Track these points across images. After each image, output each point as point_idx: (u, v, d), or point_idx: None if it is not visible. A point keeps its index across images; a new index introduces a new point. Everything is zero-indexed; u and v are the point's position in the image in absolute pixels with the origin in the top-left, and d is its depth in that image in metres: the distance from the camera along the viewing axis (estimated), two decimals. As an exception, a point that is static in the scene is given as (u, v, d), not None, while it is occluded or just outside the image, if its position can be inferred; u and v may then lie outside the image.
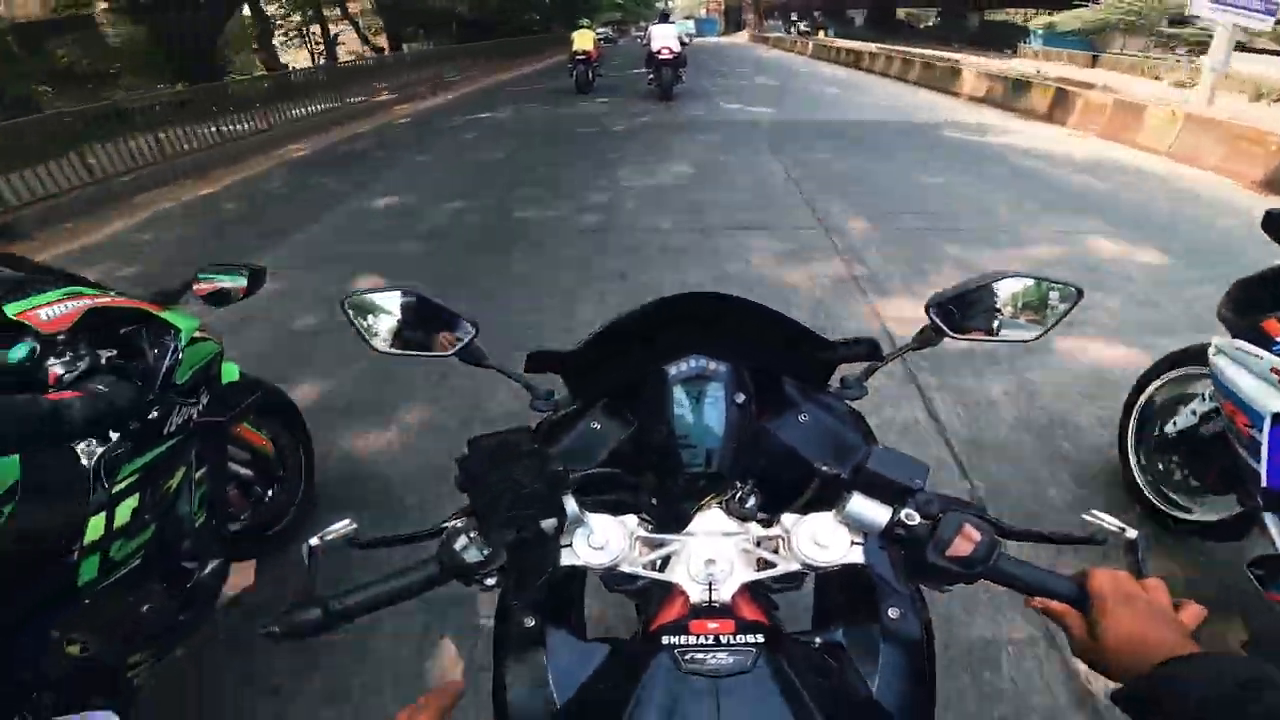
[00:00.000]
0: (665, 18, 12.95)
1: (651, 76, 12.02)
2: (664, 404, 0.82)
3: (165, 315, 1.33)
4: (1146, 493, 2.04)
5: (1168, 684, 0.47)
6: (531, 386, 0.91)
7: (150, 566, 1.29)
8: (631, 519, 0.67)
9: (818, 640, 0.67)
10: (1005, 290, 0.84)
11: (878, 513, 0.60)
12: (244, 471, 1.74)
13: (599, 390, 0.88)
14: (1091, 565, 0.61)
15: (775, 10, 46.21)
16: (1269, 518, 1.49)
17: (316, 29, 22.08)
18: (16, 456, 1.06)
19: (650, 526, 0.69)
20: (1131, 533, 0.63)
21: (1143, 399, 2.10)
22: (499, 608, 0.70)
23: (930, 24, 35.99)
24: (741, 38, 41.40)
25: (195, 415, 1.34)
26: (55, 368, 1.15)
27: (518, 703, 0.63)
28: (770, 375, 0.87)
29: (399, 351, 0.89)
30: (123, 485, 1.20)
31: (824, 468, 0.71)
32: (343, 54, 21.63)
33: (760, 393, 0.85)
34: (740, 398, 0.83)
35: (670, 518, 0.72)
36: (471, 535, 0.58)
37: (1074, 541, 0.67)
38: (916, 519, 0.59)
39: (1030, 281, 0.84)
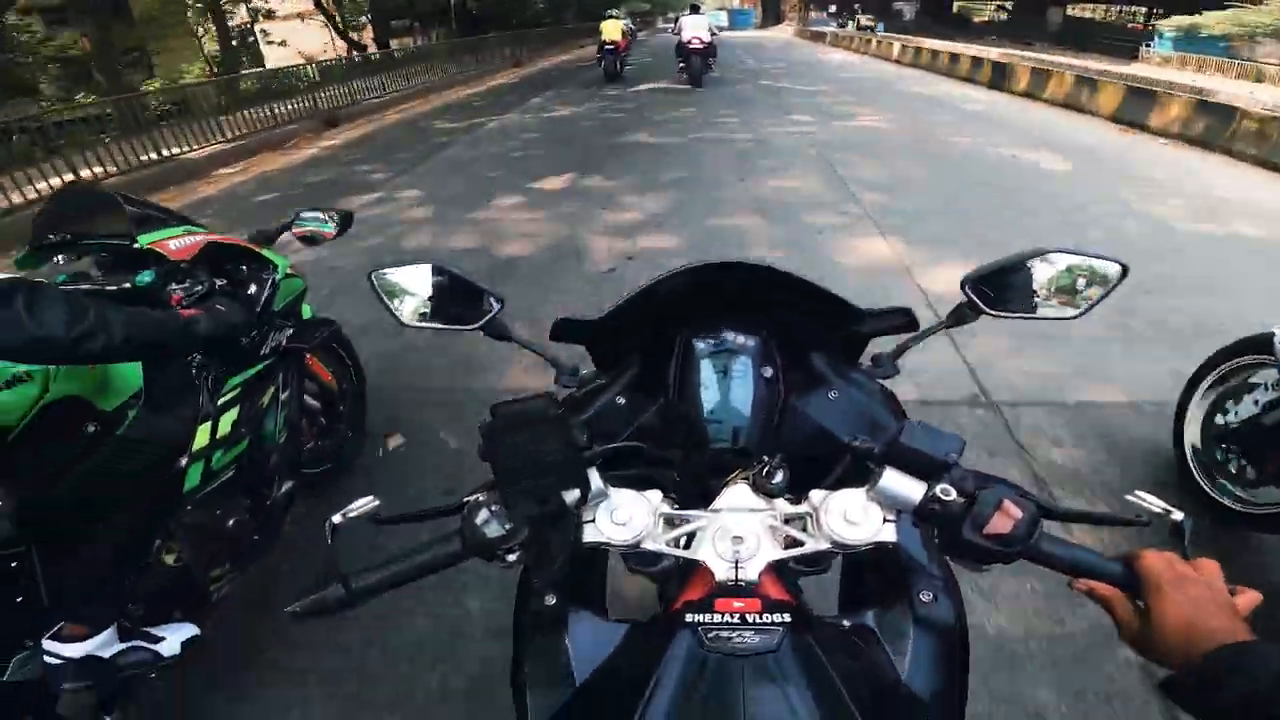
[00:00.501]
0: (695, 9, 13.49)
1: (682, 65, 12.56)
2: (691, 378, 0.81)
3: (264, 253, 1.49)
4: (1200, 481, 2.04)
5: (1220, 673, 0.46)
6: (557, 362, 0.91)
7: (239, 481, 1.44)
8: (656, 494, 0.65)
9: (846, 623, 0.66)
10: (1044, 266, 0.81)
11: (911, 488, 0.59)
12: (312, 403, 1.89)
13: (625, 362, 0.88)
14: (1139, 547, 0.59)
15: (815, 1, 44.14)
16: None
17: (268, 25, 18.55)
18: (140, 366, 1.21)
19: (675, 503, 0.68)
20: (1178, 514, 0.61)
21: (1203, 386, 2.08)
22: (519, 585, 0.70)
23: (991, 18, 33.19)
24: (783, 31, 37.47)
25: (284, 342, 1.49)
26: (176, 291, 1.31)
27: (536, 681, 0.63)
28: (800, 350, 0.86)
29: (425, 325, 0.90)
30: (225, 399, 1.37)
31: (855, 442, 0.69)
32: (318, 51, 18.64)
33: (790, 369, 0.84)
34: (768, 372, 0.82)
35: (696, 494, 0.71)
36: (493, 509, 0.58)
37: (1118, 522, 0.65)
38: (952, 494, 0.57)
39: (1072, 257, 0.81)
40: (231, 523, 1.46)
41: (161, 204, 1.51)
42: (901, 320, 0.85)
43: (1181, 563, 0.55)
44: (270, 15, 19.66)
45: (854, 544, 0.60)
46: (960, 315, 0.83)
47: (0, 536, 1.04)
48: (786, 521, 0.63)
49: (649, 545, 0.62)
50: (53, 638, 1.15)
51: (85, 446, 1.13)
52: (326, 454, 2.03)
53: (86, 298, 1.01)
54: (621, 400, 0.85)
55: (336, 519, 0.64)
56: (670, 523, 0.64)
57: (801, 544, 0.62)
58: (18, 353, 0.91)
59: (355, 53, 18.61)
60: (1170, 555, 0.55)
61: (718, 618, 0.55)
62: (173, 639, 1.29)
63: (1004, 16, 33.50)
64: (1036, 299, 0.82)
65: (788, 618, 0.55)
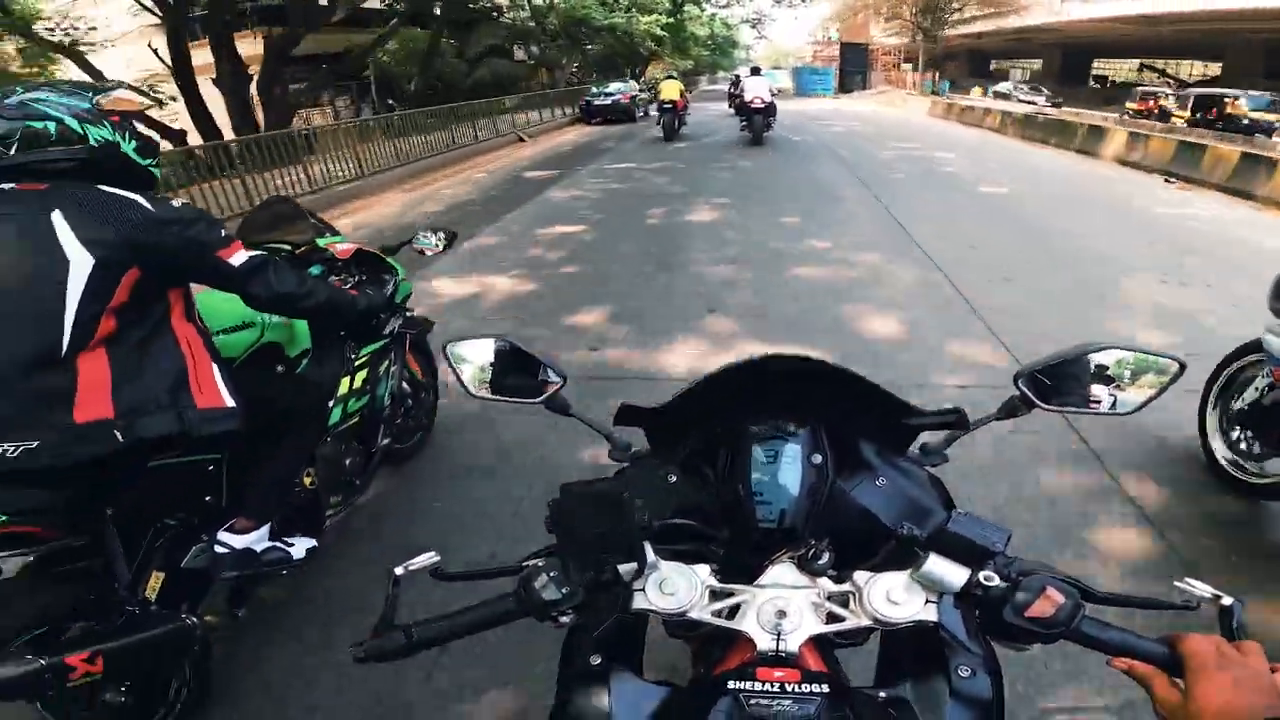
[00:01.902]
0: (757, 71, 15.20)
1: (745, 124, 13.99)
2: (741, 461, 0.87)
3: (389, 260, 2.07)
4: (1223, 463, 2.55)
5: None
6: (612, 437, 0.96)
7: (358, 429, 1.99)
8: (704, 568, 0.71)
9: (882, 694, 0.69)
10: (1099, 361, 0.84)
11: (955, 574, 0.64)
12: (404, 386, 2.44)
13: (680, 443, 0.95)
14: (1183, 630, 0.61)
15: (932, 62, 36.40)
16: None
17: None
18: (307, 328, 1.75)
19: (720, 577, 0.73)
20: (1227, 599, 0.63)
21: (1218, 384, 2.61)
22: (565, 643, 0.75)
23: (1169, 80, 27.29)
24: (890, 102, 28.86)
25: (397, 328, 2.05)
26: (335, 280, 1.88)
27: None
28: (850, 437, 0.92)
29: (491, 397, 0.96)
30: (359, 361, 1.92)
31: (901, 529, 0.74)
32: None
33: (839, 454, 0.89)
34: (817, 459, 0.87)
35: (741, 570, 0.76)
36: (552, 575, 0.64)
37: (1165, 606, 0.67)
38: (996, 580, 0.62)
39: (1126, 354, 0.84)
40: (349, 461, 2.00)
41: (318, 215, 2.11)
42: (953, 419, 0.89)
43: (1226, 645, 0.57)
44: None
45: (896, 622, 0.65)
46: (1012, 408, 0.86)
47: (223, 432, 1.42)
48: (829, 598, 0.69)
49: (694, 615, 0.69)
50: (226, 530, 1.63)
51: (276, 380, 1.68)
52: (405, 436, 2.57)
53: (304, 273, 1.57)
54: (673, 479, 0.91)
55: (399, 570, 0.71)
56: (715, 595, 0.70)
57: (843, 619, 0.67)
58: (265, 302, 1.50)
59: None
60: (1215, 638, 0.58)
61: (758, 685, 0.60)
62: (300, 546, 1.78)
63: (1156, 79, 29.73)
64: (1090, 393, 0.85)
65: (826, 688, 0.59)
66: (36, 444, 1.20)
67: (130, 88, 1.55)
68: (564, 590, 0.64)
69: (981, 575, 0.63)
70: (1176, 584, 0.67)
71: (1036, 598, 0.60)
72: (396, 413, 2.36)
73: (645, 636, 0.83)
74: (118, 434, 1.26)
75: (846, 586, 0.69)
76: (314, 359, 1.85)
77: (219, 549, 1.60)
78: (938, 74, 30.90)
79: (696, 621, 0.70)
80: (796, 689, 0.59)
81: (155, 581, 1.51)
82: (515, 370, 0.95)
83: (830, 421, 0.90)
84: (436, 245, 2.30)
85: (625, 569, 0.65)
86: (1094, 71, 40.22)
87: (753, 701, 0.58)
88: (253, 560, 1.66)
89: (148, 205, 1.31)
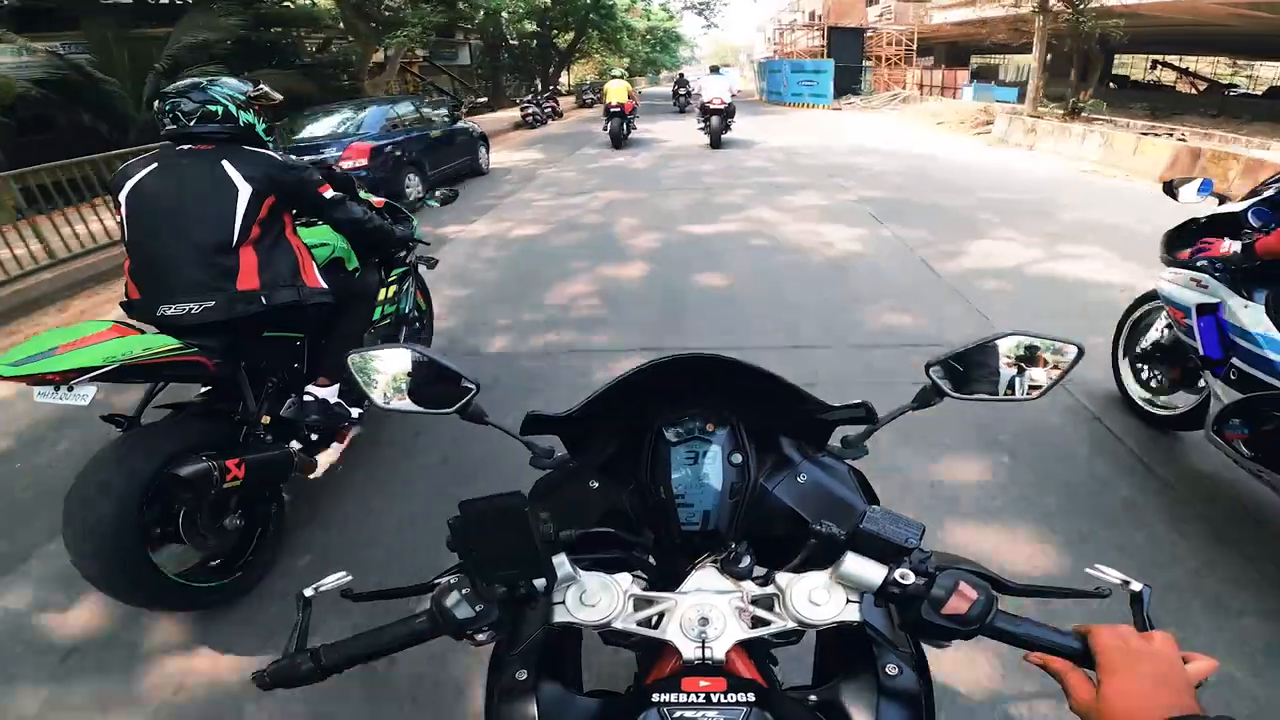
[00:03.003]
0: (716, 70, 15.65)
1: (702, 124, 14.51)
2: (662, 464, 0.93)
3: (406, 209, 3.04)
4: (1134, 398, 3.17)
5: None
6: (533, 446, 1.01)
7: (392, 325, 3.03)
8: (625, 577, 0.76)
9: (813, 697, 0.74)
10: (1005, 348, 0.92)
11: (873, 572, 0.68)
12: (419, 302, 3.56)
13: (598, 448, 1.00)
14: (1092, 620, 0.64)
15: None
16: (1209, 377, 2.47)
17: None
18: (354, 252, 2.73)
19: (646, 584, 0.78)
20: (1137, 585, 0.69)
21: (1126, 326, 3.26)
22: (492, 660, 0.79)
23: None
24: (969, 136, 15.91)
25: (412, 256, 3.11)
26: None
27: None
28: (769, 435, 0.98)
29: (401, 407, 0.97)
30: (390, 278, 2.97)
31: (820, 528, 0.75)
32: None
33: (760, 452, 0.96)
34: (737, 458, 0.93)
35: (668, 576, 0.81)
36: (463, 592, 0.68)
37: (1077, 595, 0.74)
38: (911, 578, 0.67)
39: (1030, 340, 0.91)
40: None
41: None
42: (861, 414, 0.95)
43: (1136, 637, 0.63)
44: None
45: (818, 623, 0.70)
46: (925, 398, 0.94)
47: (316, 306, 2.42)
48: (754, 602, 0.74)
49: (618, 625, 0.73)
50: (312, 385, 2.68)
51: (344, 278, 2.65)
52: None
53: (365, 206, 2.53)
54: (595, 484, 0.96)
55: (308, 592, 0.74)
56: (640, 603, 0.75)
57: (768, 623, 0.73)
58: (342, 223, 2.66)
59: None
60: (1125, 630, 0.63)
61: (683, 696, 0.63)
62: (354, 411, 2.82)
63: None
64: (998, 380, 0.92)
65: (751, 696, 0.63)
66: (213, 303, 2.21)
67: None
68: (477, 608, 0.67)
69: (898, 573, 0.68)
70: (1089, 570, 0.73)
71: (951, 595, 0.65)
72: (413, 320, 3.52)
73: (580, 648, 0.90)
74: (263, 299, 2.29)
75: (770, 589, 0.74)
76: (363, 271, 2.81)
77: (306, 398, 2.66)
78: (1085, 80, 18.42)
79: (625, 632, 0.74)
80: (722, 698, 0.63)
81: (265, 421, 2.47)
82: (426, 380, 0.95)
83: (749, 420, 0.97)
84: (436, 202, 3.24)
85: (536, 584, 0.68)
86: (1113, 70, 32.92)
87: (677, 714, 0.62)
88: (327, 410, 2.67)
89: (277, 157, 2.42)
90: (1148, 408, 3.08)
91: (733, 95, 14.21)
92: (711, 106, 13.77)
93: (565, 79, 37.20)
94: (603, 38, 32.49)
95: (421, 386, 0.95)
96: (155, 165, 2.20)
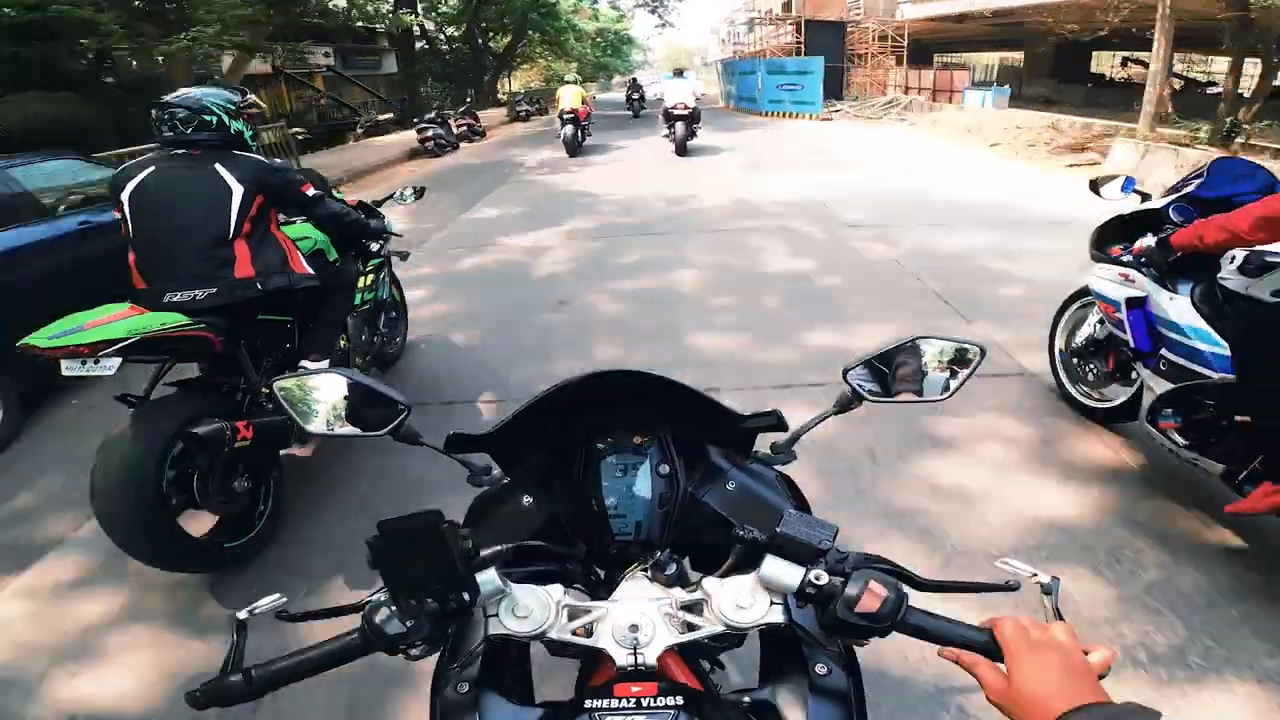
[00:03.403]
0: (680, 73, 14.69)
1: (668, 132, 13.92)
2: (593, 476, 0.98)
3: (377, 209, 3.34)
4: (1071, 392, 3.34)
5: None
6: (469, 463, 1.05)
7: (371, 312, 3.36)
8: (557, 588, 0.80)
9: (746, 699, 0.78)
10: (915, 352, 0.99)
11: (790, 574, 0.72)
12: (394, 291, 3.89)
13: (530, 462, 1.05)
14: (999, 612, 0.68)
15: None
16: (1140, 369, 2.67)
17: None
18: (333, 244, 3.05)
19: (582, 594, 0.84)
20: (1044, 577, 0.73)
21: (1061, 322, 3.41)
22: (434, 675, 0.81)
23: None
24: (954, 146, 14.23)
25: (385, 249, 3.42)
26: (351, 215, 3.15)
27: None
28: (699, 445, 1.04)
29: (332, 432, 0.99)
30: (367, 268, 3.33)
31: (742, 532, 0.79)
32: None
33: (691, 462, 1.02)
34: (665, 469, 0.99)
35: (603, 586, 0.87)
36: (392, 609, 0.70)
37: (987, 589, 0.77)
38: (825, 578, 0.71)
39: (939, 342, 0.99)
40: (364, 335, 3.27)
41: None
42: (773, 421, 1.02)
43: (1037, 627, 0.67)
44: None
45: (745, 626, 0.75)
46: (844, 403, 1.00)
47: (305, 290, 2.76)
48: (683, 608, 0.78)
49: (554, 635, 0.77)
50: (303, 360, 3.02)
51: (326, 267, 2.98)
52: (390, 346, 4.01)
53: (344, 202, 2.83)
54: (528, 499, 1.01)
55: (243, 614, 0.76)
56: (574, 613, 0.79)
57: (698, 628, 0.77)
58: (323, 219, 3.04)
59: None
60: (1026, 621, 0.68)
61: (615, 703, 0.67)
62: None
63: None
64: (910, 381, 0.99)
65: (681, 700, 0.67)
66: (215, 289, 2.57)
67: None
68: (408, 623, 0.69)
69: (812, 574, 0.71)
70: (998, 564, 0.78)
71: (862, 593, 0.68)
72: (390, 309, 3.92)
73: (527, 658, 0.94)
74: (259, 284, 2.65)
75: (698, 594, 0.78)
76: (342, 262, 3.15)
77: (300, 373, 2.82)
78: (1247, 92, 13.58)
79: (561, 642, 0.78)
80: (652, 703, 0.66)
81: (266, 391, 2.77)
82: (356, 404, 0.96)
83: (676, 431, 1.02)
84: (410, 199, 3.52)
85: (461, 600, 0.70)
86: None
87: (608, 719, 0.65)
88: None
89: (264, 160, 2.80)
90: (1086, 401, 3.20)
91: (698, 99, 13.60)
92: (676, 112, 13.16)
93: (506, 86, 34.14)
94: (545, 40, 29.74)
95: (356, 409, 0.97)
96: (153, 168, 2.51)
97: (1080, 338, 3.22)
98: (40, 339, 2.08)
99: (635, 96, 24.81)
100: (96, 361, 2.11)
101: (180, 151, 2.52)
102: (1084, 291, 3.14)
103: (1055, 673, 0.61)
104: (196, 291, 2.37)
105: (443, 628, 0.71)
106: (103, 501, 2.05)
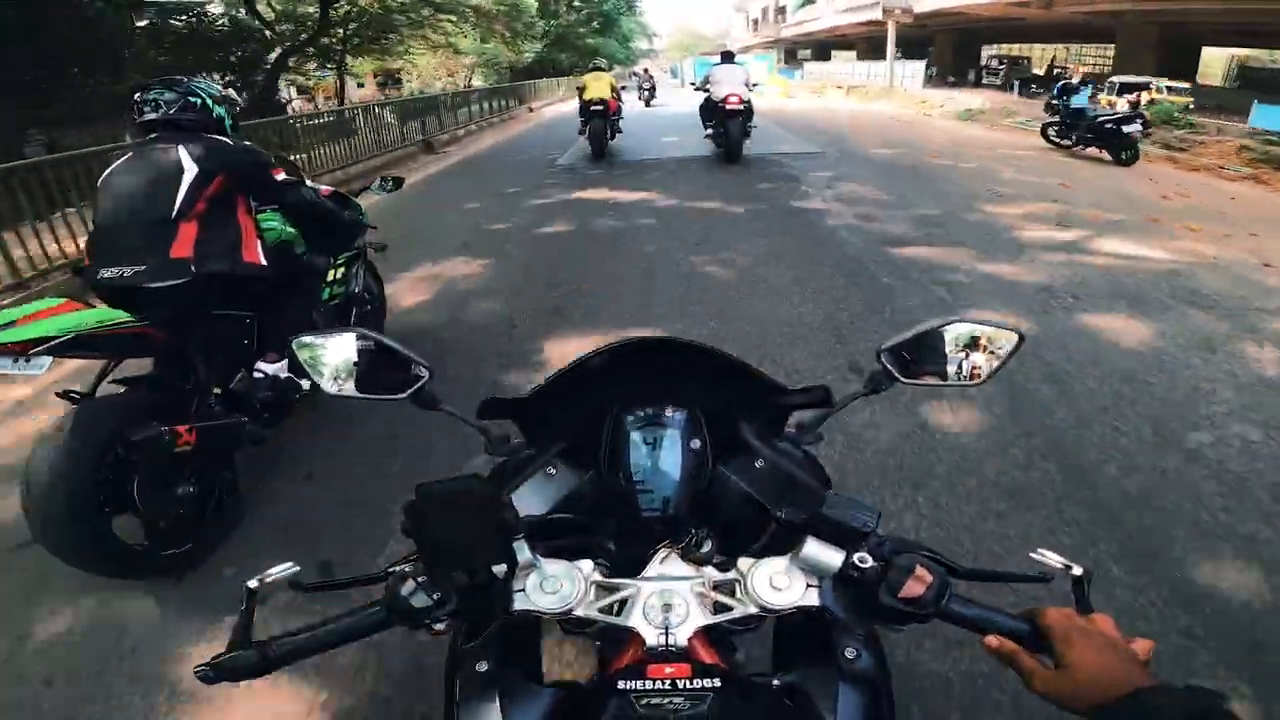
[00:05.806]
0: (729, 57, 11.49)
1: (710, 131, 11.33)
2: (621, 449, 0.96)
3: (353, 198, 3.22)
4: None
5: (1137, 714, 0.58)
6: (487, 432, 1.01)
7: (342, 307, 3.31)
8: (587, 564, 0.78)
9: (775, 682, 0.77)
10: (952, 335, 0.96)
11: (831, 556, 0.71)
12: (370, 284, 3.86)
13: (556, 434, 1.02)
14: (1038, 604, 0.68)
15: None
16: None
17: None
18: (302, 236, 3.03)
19: (608, 570, 0.80)
20: (1078, 569, 0.73)
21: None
22: (450, 651, 0.80)
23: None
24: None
25: (360, 241, 3.31)
26: (324, 206, 3.08)
27: None
28: (727, 420, 1.01)
29: (350, 394, 0.95)
30: (338, 261, 3.24)
31: (779, 513, 0.81)
32: None
33: (718, 438, 1.00)
34: (696, 444, 0.97)
35: (629, 562, 0.83)
36: (419, 580, 0.68)
37: (1024, 579, 0.78)
38: (869, 562, 0.70)
39: (976, 326, 0.96)
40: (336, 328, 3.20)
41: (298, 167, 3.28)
42: (820, 396, 1.00)
43: (1079, 617, 0.69)
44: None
45: (780, 608, 0.74)
46: (876, 383, 0.97)
47: (257, 284, 2.70)
48: (715, 588, 0.78)
49: (580, 612, 0.75)
50: (262, 361, 2.92)
51: (291, 259, 2.87)
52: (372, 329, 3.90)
53: (315, 190, 2.74)
54: (553, 471, 0.99)
55: (253, 583, 0.73)
56: (602, 590, 0.78)
57: (730, 609, 0.76)
58: (292, 206, 2.92)
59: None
60: (1069, 611, 0.69)
61: (649, 684, 0.65)
62: (304, 381, 3.02)
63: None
64: (946, 365, 0.96)
65: (717, 682, 0.65)
66: (144, 267, 2.43)
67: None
68: (435, 596, 0.67)
69: (856, 557, 0.71)
70: (1032, 555, 0.77)
71: (908, 578, 0.68)
72: (364, 303, 3.83)
73: (540, 638, 0.91)
74: (191, 266, 2.48)
75: (731, 574, 0.78)
76: (310, 254, 3.07)
77: (256, 374, 2.91)
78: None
79: (586, 619, 0.76)
80: (688, 684, 0.65)
81: (216, 392, 2.68)
82: (378, 365, 0.93)
83: (707, 404, 1.01)
84: (387, 189, 3.43)
85: (496, 570, 0.69)
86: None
87: (644, 701, 0.63)
88: (276, 384, 2.90)
89: (231, 142, 2.73)
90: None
91: (750, 89, 10.56)
92: (727, 107, 10.07)
93: (335, 85, 21.65)
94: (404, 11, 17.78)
95: (370, 372, 0.94)
96: (129, 155, 2.54)
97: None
98: None
99: (646, 88, 25.76)
100: (28, 360, 2.04)
101: (154, 135, 2.50)
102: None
103: (1111, 658, 0.63)
104: (124, 269, 2.29)
105: (471, 601, 0.69)
106: (31, 500, 1.97)
